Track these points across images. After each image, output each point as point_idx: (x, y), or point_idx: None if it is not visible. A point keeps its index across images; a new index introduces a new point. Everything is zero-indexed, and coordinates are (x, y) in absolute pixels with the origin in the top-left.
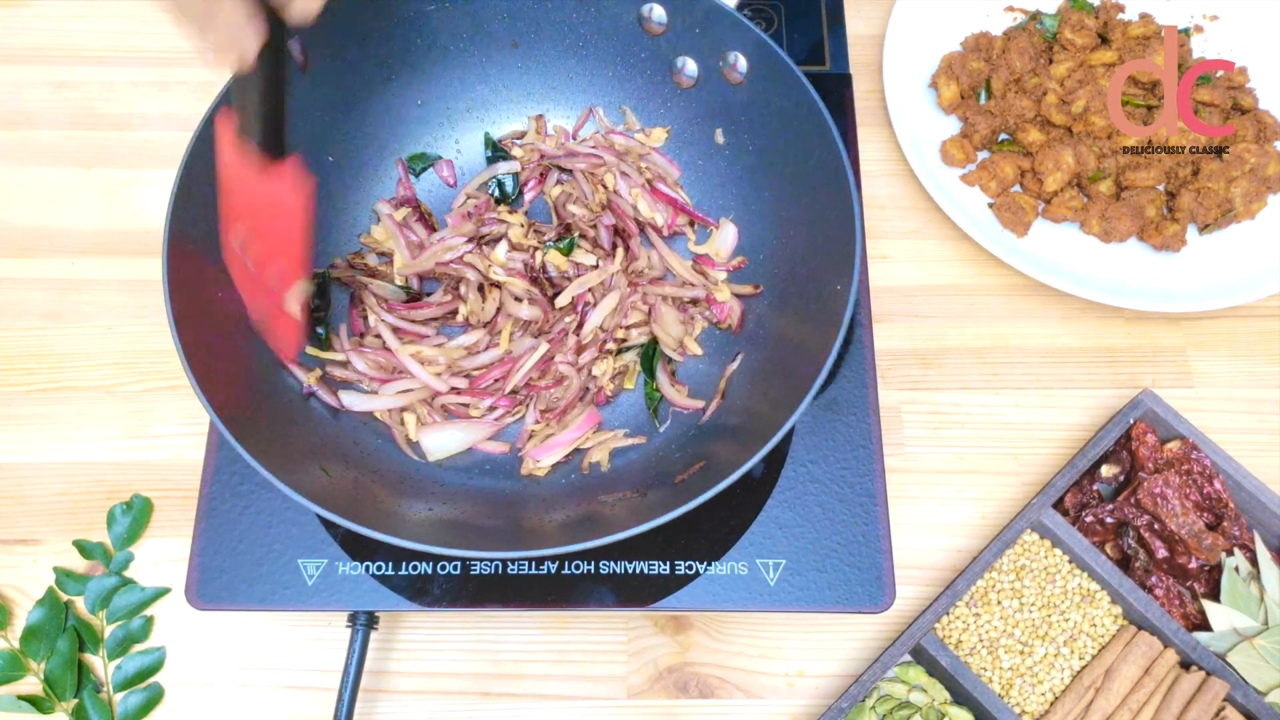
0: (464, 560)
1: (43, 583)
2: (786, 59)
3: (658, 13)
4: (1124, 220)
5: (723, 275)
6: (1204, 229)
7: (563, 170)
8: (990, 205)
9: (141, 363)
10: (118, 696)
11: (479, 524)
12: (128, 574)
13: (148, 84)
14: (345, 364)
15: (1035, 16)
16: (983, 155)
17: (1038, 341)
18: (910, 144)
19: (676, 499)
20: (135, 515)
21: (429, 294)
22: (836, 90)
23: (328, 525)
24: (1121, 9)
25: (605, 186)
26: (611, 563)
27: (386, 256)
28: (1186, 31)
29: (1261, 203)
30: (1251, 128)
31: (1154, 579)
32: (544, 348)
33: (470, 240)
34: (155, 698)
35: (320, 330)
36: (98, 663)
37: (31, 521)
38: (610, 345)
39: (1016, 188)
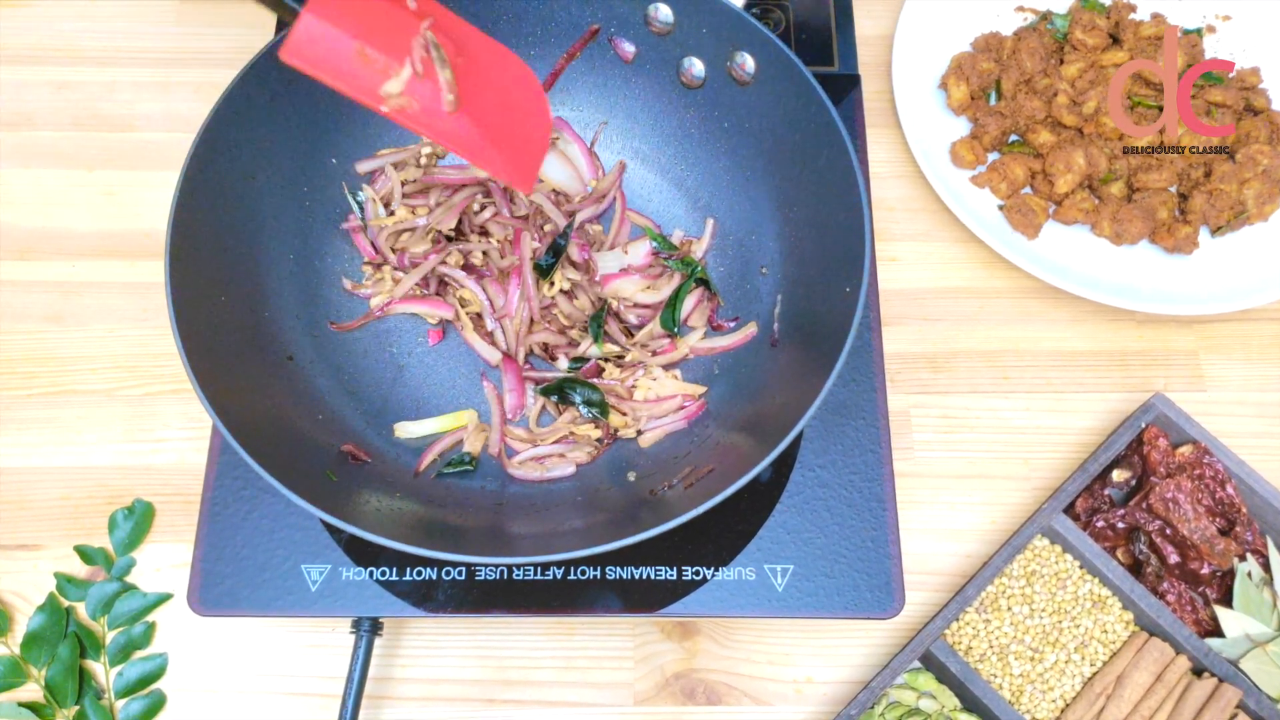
0: (469, 565)
1: (44, 588)
2: (795, 59)
3: (664, 12)
4: (1135, 222)
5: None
6: (1216, 231)
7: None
8: (1000, 207)
9: (143, 366)
10: (119, 703)
11: (483, 529)
12: (129, 579)
13: (149, 85)
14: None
15: (1046, 17)
16: (993, 157)
17: (1048, 345)
18: (919, 145)
19: (684, 503)
20: (137, 520)
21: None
22: (845, 91)
23: (331, 530)
24: (1133, 9)
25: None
26: (618, 568)
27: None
28: (1199, 31)
29: (1274, 205)
30: (1265, 129)
31: (1166, 584)
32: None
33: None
34: (157, 704)
35: None
36: (99, 669)
37: (32, 526)
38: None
39: (1027, 189)
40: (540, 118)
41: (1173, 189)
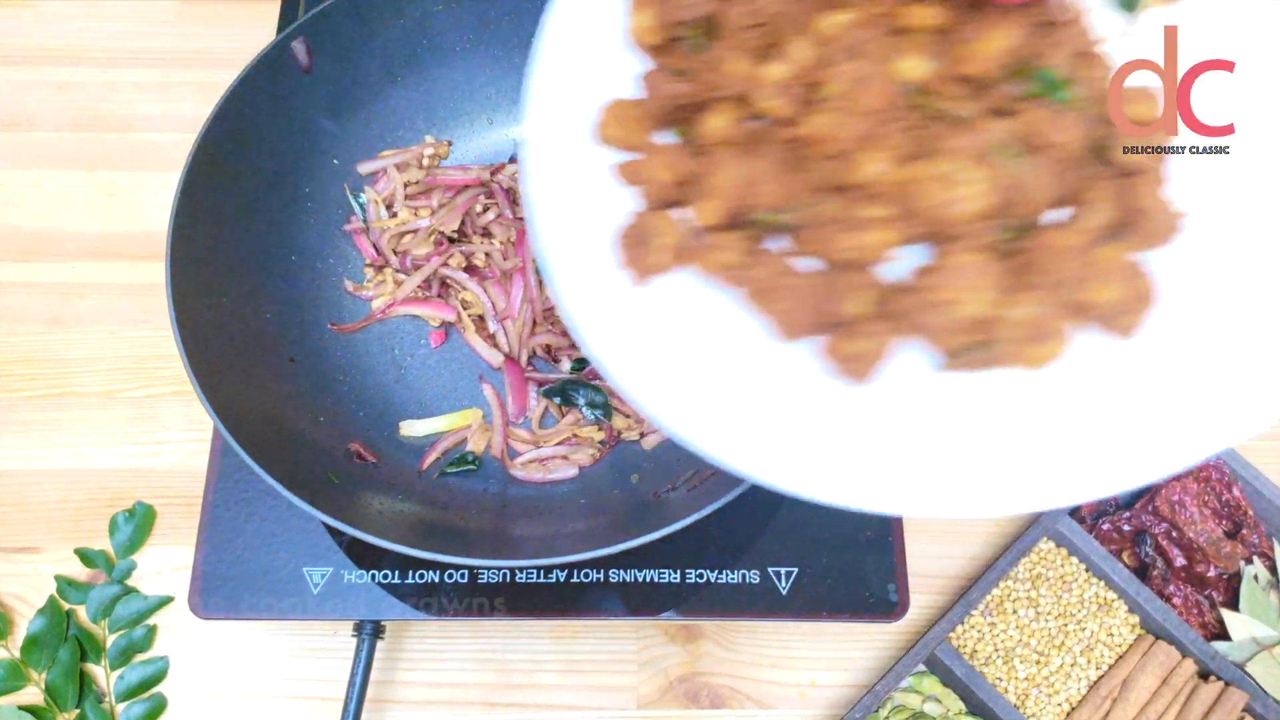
0: (471, 568)
1: (44, 591)
2: None
3: None
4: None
5: None
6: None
7: None
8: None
9: (144, 368)
10: (120, 707)
11: (486, 531)
12: (130, 582)
13: (150, 85)
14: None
15: None
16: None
17: None
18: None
19: (688, 506)
20: (138, 523)
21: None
22: None
23: (333, 533)
24: None
25: None
26: (621, 571)
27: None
28: None
29: None
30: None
31: (1172, 587)
32: None
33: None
34: (158, 708)
35: None
36: (99, 673)
37: (33, 529)
38: None
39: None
40: None
41: None
